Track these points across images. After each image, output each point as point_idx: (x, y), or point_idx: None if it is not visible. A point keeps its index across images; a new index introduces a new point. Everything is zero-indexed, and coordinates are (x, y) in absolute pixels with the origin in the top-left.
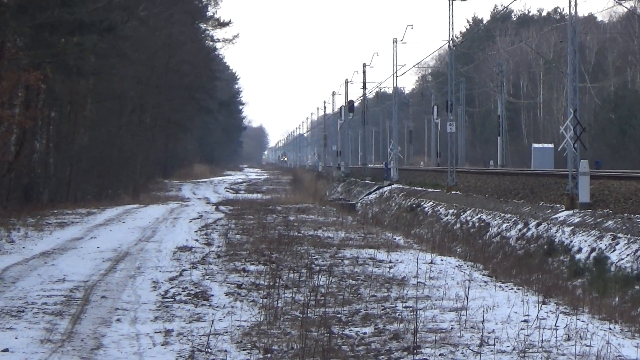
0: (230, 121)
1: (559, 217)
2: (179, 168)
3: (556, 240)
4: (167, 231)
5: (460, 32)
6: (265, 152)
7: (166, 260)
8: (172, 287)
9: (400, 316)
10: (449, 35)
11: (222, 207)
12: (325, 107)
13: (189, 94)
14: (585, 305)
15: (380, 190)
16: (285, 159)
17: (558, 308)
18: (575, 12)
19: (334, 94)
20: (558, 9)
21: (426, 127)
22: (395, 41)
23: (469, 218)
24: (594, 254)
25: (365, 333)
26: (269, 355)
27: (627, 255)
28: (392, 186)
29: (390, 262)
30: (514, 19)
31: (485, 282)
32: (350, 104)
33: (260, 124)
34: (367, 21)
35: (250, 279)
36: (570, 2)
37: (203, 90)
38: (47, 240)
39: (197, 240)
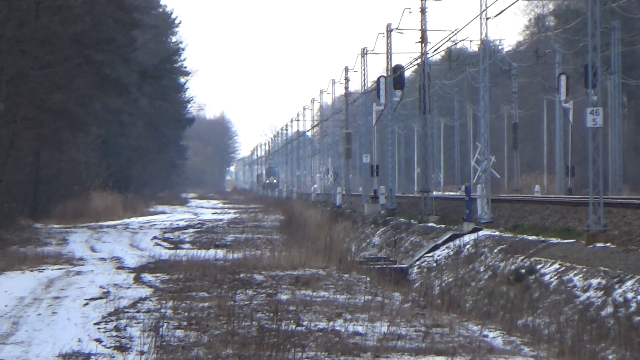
0: (163, 107)
1: None
2: (62, 201)
3: None
4: (40, 323)
5: None
6: (232, 168)
7: None
8: None
9: None
10: None
11: (147, 277)
12: (347, 79)
13: (81, 54)
14: None
15: (458, 241)
16: (275, 180)
17: None
18: None
19: (364, 52)
20: None
21: (545, 118)
22: None
23: (630, 296)
24: None
25: None
26: None
27: None
28: (480, 233)
29: None
30: None
31: None
32: (397, 73)
33: (221, 112)
34: None
35: None
36: None
37: (108, 47)
38: None
39: (100, 341)
